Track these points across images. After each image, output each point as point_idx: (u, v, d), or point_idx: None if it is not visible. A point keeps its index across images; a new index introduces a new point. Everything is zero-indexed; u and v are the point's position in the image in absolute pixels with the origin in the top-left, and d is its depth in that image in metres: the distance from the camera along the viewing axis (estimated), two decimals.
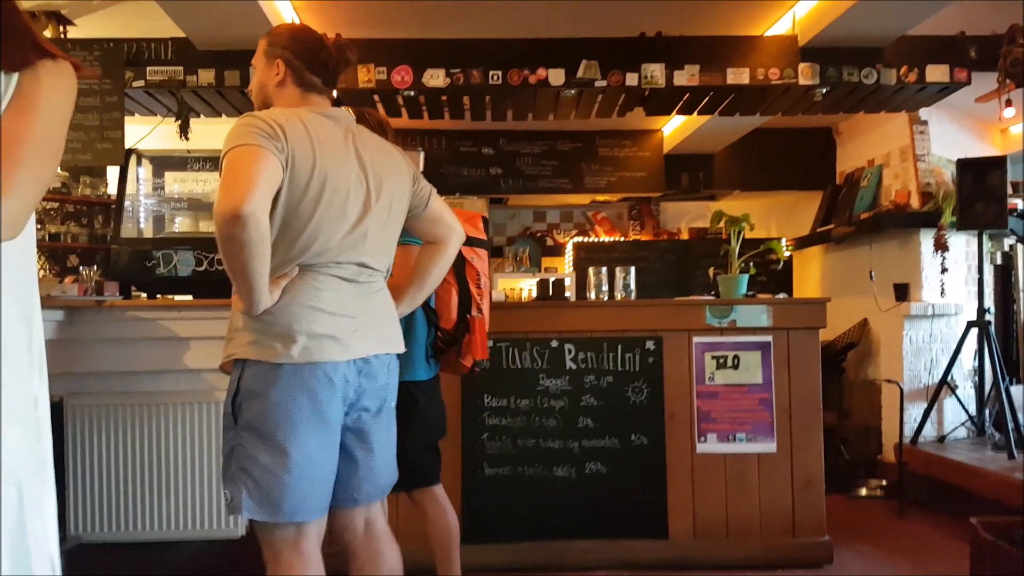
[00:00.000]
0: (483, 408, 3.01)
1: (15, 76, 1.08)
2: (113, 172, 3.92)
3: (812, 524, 3.06)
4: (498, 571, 2.93)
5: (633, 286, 3.26)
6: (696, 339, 3.12)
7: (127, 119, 3.72)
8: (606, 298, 3.26)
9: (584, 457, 3.02)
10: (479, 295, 2.13)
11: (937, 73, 3.73)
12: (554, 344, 3.06)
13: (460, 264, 2.06)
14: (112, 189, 3.90)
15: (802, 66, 3.71)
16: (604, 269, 3.27)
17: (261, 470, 1.60)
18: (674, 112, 4.07)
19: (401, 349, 1.84)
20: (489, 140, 5.58)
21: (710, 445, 3.09)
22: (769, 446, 3.10)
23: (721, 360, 3.13)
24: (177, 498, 2.80)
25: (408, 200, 1.88)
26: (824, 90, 3.74)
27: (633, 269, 3.29)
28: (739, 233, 3.37)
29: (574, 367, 3.05)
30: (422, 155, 4.55)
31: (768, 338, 3.14)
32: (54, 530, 1.19)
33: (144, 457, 2.80)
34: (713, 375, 3.12)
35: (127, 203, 3.33)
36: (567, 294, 3.38)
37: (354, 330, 1.69)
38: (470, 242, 2.13)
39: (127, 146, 3.61)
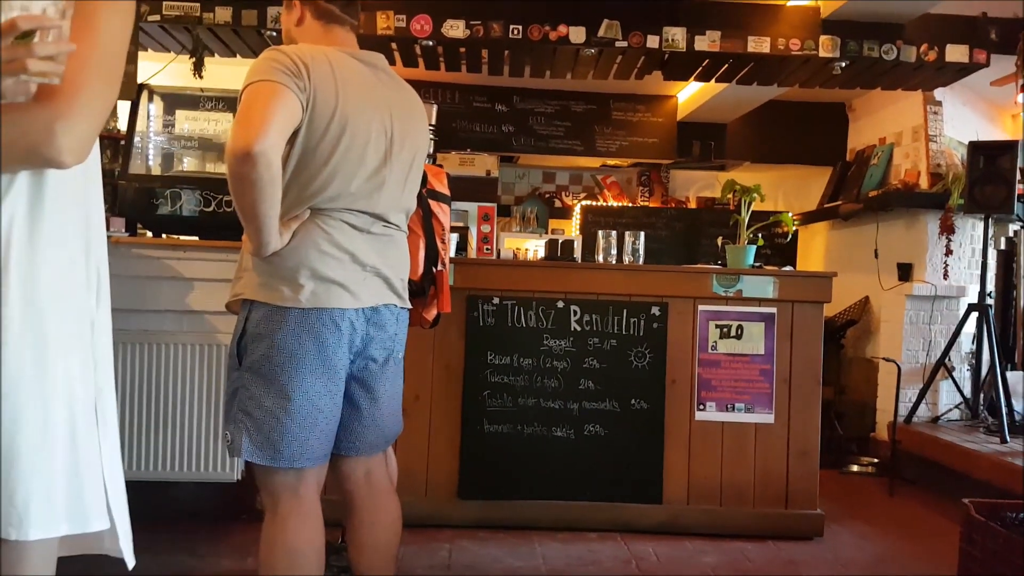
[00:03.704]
0: (486, 365, 3.01)
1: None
2: (124, 107, 3.85)
3: (805, 496, 3.09)
4: (491, 528, 2.97)
5: (642, 251, 3.25)
6: (701, 307, 3.12)
7: (140, 54, 3.65)
8: (614, 261, 3.25)
9: (584, 419, 3.04)
10: (443, 250, 2.13)
11: (957, 53, 3.69)
12: (560, 305, 3.05)
13: (427, 216, 2.06)
14: (122, 124, 3.84)
15: (823, 38, 3.66)
16: (613, 232, 3.25)
17: (263, 413, 1.60)
18: (692, 78, 4.02)
19: (407, 306, 1.83)
20: (503, 97, 5.50)
21: (709, 413, 3.12)
22: (767, 417, 3.12)
23: (725, 329, 3.14)
24: (174, 439, 2.80)
25: (425, 158, 1.86)
26: (844, 64, 3.70)
27: (643, 234, 3.28)
28: (749, 203, 3.36)
29: (579, 329, 3.05)
30: (435, 108, 4.51)
31: (773, 309, 3.14)
32: (113, 461, 1.19)
33: (142, 396, 2.79)
34: (716, 344, 3.13)
35: (136, 139, 3.27)
36: (575, 256, 3.36)
37: (363, 279, 1.67)
38: (435, 196, 2.12)
39: (139, 81, 3.55)
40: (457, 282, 2.95)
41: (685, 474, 3.08)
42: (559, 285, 3.07)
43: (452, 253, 3.16)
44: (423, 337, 2.89)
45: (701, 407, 3.12)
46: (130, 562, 1.20)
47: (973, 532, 2.62)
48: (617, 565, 2.71)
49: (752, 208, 3.36)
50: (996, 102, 5.13)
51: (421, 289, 2.09)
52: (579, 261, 3.54)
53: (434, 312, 2.12)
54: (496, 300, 3.03)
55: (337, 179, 1.62)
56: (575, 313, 3.05)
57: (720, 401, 3.12)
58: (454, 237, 3.15)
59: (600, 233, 3.29)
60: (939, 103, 4.78)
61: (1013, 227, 4.91)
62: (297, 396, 1.60)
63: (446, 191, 2.25)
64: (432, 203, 2.14)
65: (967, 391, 4.38)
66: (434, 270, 2.07)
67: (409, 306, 1.84)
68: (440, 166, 2.61)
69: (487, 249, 4.86)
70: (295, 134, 1.56)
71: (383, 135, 1.69)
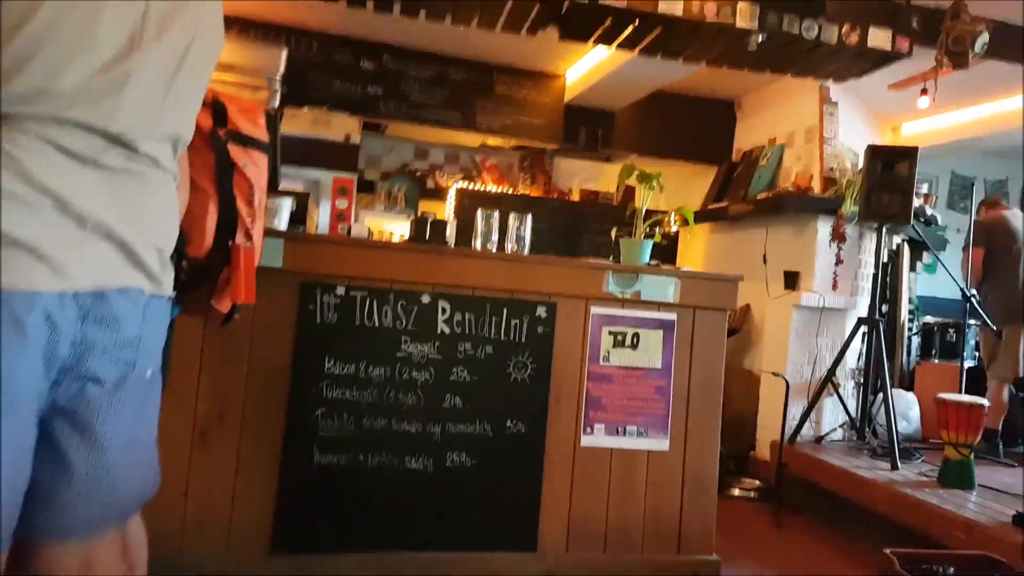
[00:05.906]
0: (322, 375, 2.30)
1: None
2: None
3: (700, 539, 2.64)
4: None
5: (528, 239, 2.66)
6: (594, 309, 2.59)
7: None
8: (494, 250, 2.63)
9: (446, 445, 2.40)
10: (250, 216, 1.45)
11: (880, 38, 3.38)
12: (425, 300, 2.40)
13: (225, 168, 1.38)
14: None
15: (741, 4, 3.21)
16: (495, 214, 2.63)
17: None
18: (592, 39, 3.46)
19: (166, 292, 1.12)
20: (371, 53, 4.72)
21: (597, 438, 2.59)
22: (662, 443, 2.66)
23: (619, 337, 2.63)
24: None
25: (215, 59, 1.17)
26: (761, 38, 3.27)
27: (529, 217, 2.68)
28: (650, 192, 2.90)
29: (447, 331, 2.41)
30: (284, 53, 3.72)
31: (672, 316, 2.68)
32: None
33: None
34: (608, 354, 2.61)
35: None
36: (447, 241, 2.72)
37: (78, 241, 0.96)
38: (243, 140, 1.47)
39: None
40: (287, 264, 2.24)
41: (566, 513, 2.53)
42: (426, 275, 2.42)
43: (283, 225, 2.43)
44: (233, 334, 2.15)
45: (588, 430, 2.58)
46: None
47: None
48: None
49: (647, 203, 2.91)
50: (881, 111, 5.01)
51: (206, 271, 1.39)
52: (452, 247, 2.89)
53: (229, 302, 1.42)
54: (341, 290, 2.33)
55: (36, 63, 0.91)
56: (444, 311, 2.42)
57: (610, 423, 2.61)
58: (286, 203, 2.41)
59: (479, 214, 2.66)
60: (835, 104, 4.56)
61: (896, 239, 4.80)
62: None
63: (263, 135, 1.54)
64: (236, 149, 1.45)
65: (851, 408, 4.17)
66: (230, 243, 1.37)
67: (169, 293, 1.13)
68: (274, 112, 1.89)
69: (342, 228, 4.12)
70: None
71: (133, 6, 0.99)
